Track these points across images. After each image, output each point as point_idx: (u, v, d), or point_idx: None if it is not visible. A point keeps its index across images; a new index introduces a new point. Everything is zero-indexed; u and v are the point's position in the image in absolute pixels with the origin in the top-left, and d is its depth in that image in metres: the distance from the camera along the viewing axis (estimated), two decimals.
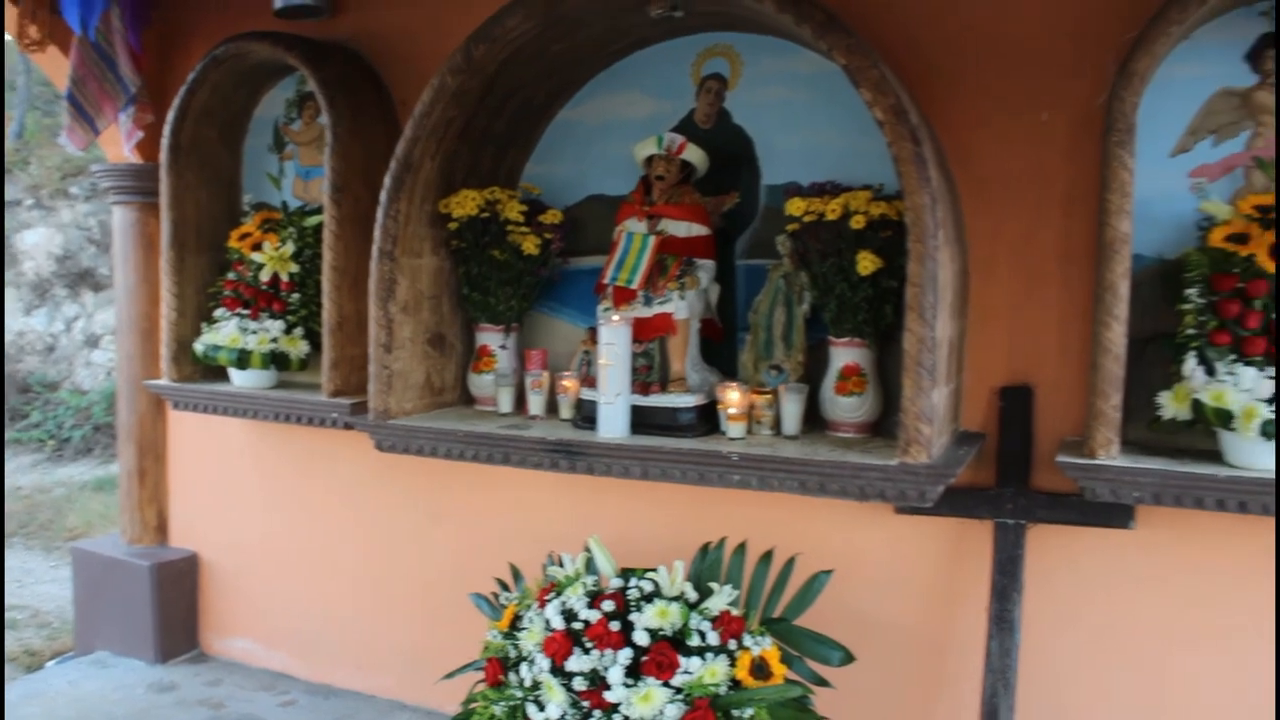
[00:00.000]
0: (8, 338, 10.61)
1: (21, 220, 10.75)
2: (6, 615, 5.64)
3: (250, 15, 4.02)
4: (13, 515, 7.71)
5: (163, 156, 4.02)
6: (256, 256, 3.91)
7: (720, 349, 3.29)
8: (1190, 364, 2.55)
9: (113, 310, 9.98)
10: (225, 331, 3.89)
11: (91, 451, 9.29)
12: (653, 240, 3.08)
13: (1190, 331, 2.58)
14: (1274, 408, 2.41)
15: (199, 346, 3.98)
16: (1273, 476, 2.45)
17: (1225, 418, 2.46)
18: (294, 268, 3.90)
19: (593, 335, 3.20)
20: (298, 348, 3.90)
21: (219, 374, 4.11)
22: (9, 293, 10.71)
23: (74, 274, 10.44)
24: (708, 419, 3.05)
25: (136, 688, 4.23)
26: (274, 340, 3.86)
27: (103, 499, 7.94)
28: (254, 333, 3.86)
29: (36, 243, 10.63)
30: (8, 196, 10.78)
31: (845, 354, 2.96)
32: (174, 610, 4.51)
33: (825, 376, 3.01)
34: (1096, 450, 2.58)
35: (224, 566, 4.56)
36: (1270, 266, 2.48)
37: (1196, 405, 2.52)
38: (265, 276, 3.90)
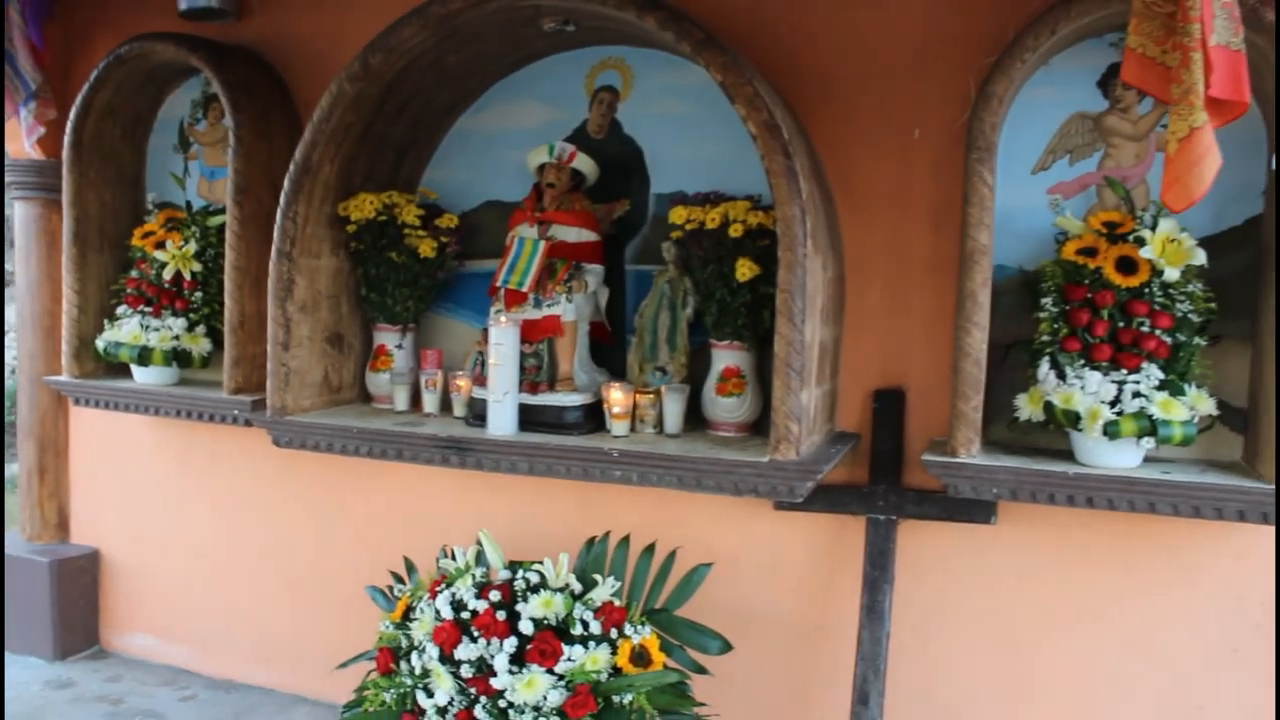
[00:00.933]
0: None
1: None
2: None
3: (156, 13, 4.06)
4: None
5: (65, 153, 4.03)
6: (159, 255, 3.94)
7: (610, 351, 3.40)
8: (1044, 368, 2.72)
9: (12, 307, 9.83)
10: (127, 328, 3.92)
11: None
12: (543, 245, 3.19)
13: (1045, 338, 2.74)
14: (1116, 410, 2.59)
15: (101, 343, 4.00)
16: (1117, 473, 2.63)
17: (1073, 419, 2.63)
18: (197, 266, 3.94)
19: (486, 336, 3.29)
20: (200, 345, 3.94)
21: (122, 371, 4.15)
22: None
23: None
24: (594, 418, 3.17)
25: (32, 685, 4.22)
26: (176, 338, 3.90)
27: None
28: (156, 330, 3.89)
29: None
30: None
31: (726, 356, 3.09)
32: (73, 607, 4.51)
33: (707, 378, 3.14)
34: (958, 449, 2.74)
35: (125, 563, 4.56)
36: (1117, 278, 2.65)
37: (1049, 407, 2.68)
38: (168, 275, 3.93)
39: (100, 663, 4.48)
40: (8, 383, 9.43)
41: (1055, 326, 2.73)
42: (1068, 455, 2.77)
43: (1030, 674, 3.08)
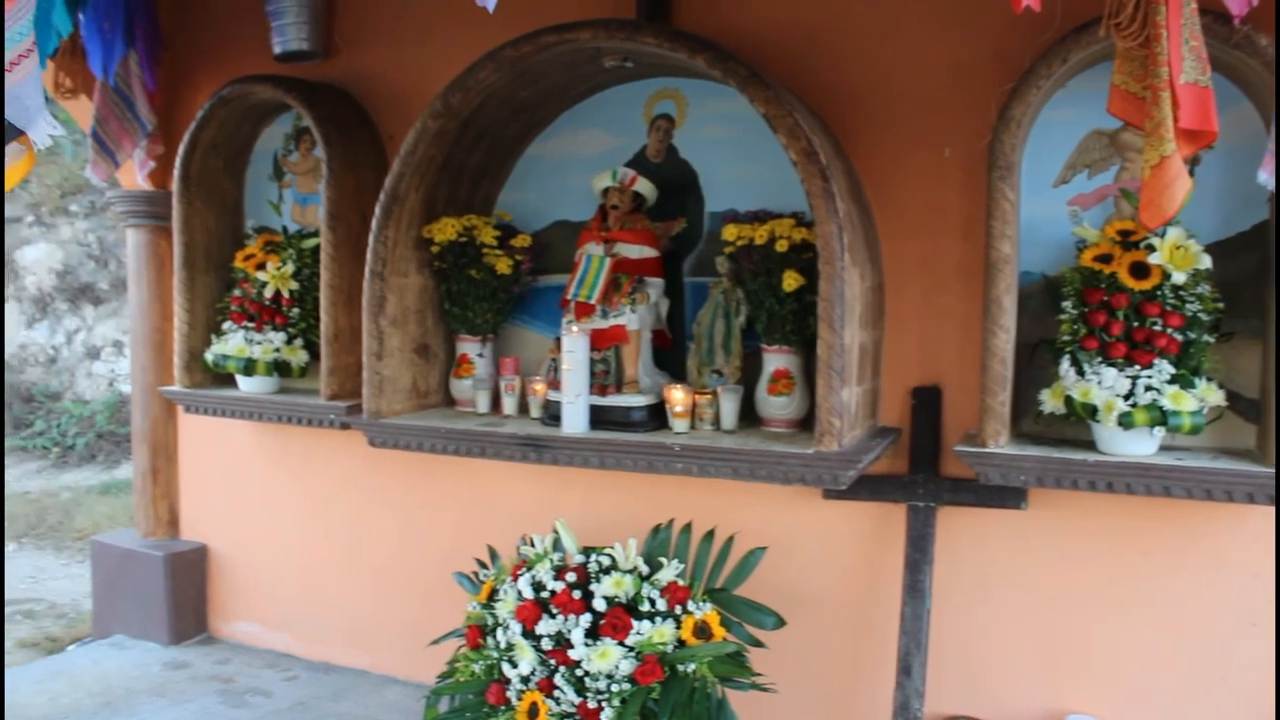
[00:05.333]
0: (11, 349, 10.97)
1: (23, 237, 11.11)
2: (24, 607, 6.04)
3: (252, 56, 4.43)
4: (23, 518, 8.10)
5: (174, 186, 4.39)
6: (260, 275, 4.31)
7: (670, 356, 3.67)
8: (1065, 365, 2.92)
9: (112, 323, 10.43)
10: (233, 342, 4.29)
11: (95, 458, 9.67)
12: (608, 262, 3.48)
13: (1066, 338, 2.94)
14: (1130, 402, 2.84)
15: (209, 356, 4.38)
16: (1133, 460, 2.83)
17: (1091, 411, 2.84)
18: (294, 285, 4.31)
19: (558, 344, 3.54)
20: (298, 356, 4.32)
21: (227, 381, 4.50)
22: (11, 307, 11.07)
23: (74, 288, 10.81)
24: (657, 416, 3.44)
25: (153, 665, 4.63)
26: (277, 350, 4.27)
27: (108, 502, 8.33)
28: (259, 343, 4.26)
29: (38, 258, 10.99)
30: (10, 214, 11.14)
31: (776, 359, 3.37)
32: (185, 596, 4.90)
33: (759, 379, 3.40)
34: (987, 440, 2.96)
35: (230, 556, 4.94)
36: (1130, 282, 2.86)
37: (1069, 401, 2.90)
38: (268, 293, 4.29)
39: (210, 647, 4.86)
40: (108, 394, 9.98)
41: (1075, 327, 2.93)
42: (1091, 445, 2.96)
43: (1061, 646, 3.29)
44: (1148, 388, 2.81)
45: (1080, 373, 2.91)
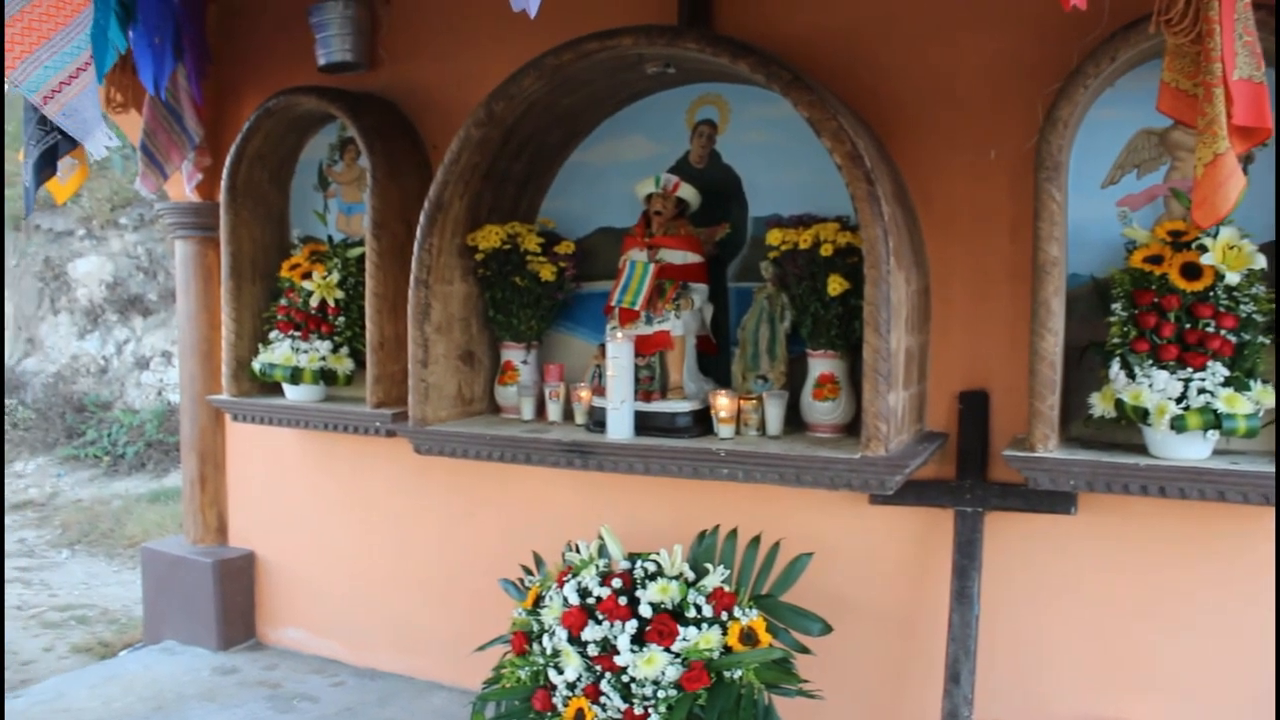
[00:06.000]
0: (63, 360, 11.16)
1: (74, 249, 11.30)
2: (78, 612, 6.15)
3: (296, 68, 4.48)
4: (76, 525, 8.25)
5: (221, 197, 4.44)
6: (306, 284, 4.35)
7: (714, 361, 3.66)
8: (1115, 368, 2.89)
9: (160, 334, 10.58)
10: (279, 351, 4.33)
11: (145, 466, 9.79)
12: (652, 268, 3.49)
13: (1115, 340, 2.91)
14: (1182, 405, 2.80)
15: (256, 365, 4.42)
16: (1186, 464, 2.79)
17: (1142, 414, 2.80)
18: (339, 294, 4.34)
19: (603, 351, 3.56)
20: (344, 365, 4.35)
21: (273, 389, 4.55)
22: (63, 318, 11.26)
23: (124, 300, 10.97)
24: (702, 422, 3.43)
25: (202, 671, 4.68)
26: (323, 358, 4.30)
27: (158, 510, 8.43)
28: (305, 352, 4.30)
29: (89, 271, 11.18)
30: (61, 228, 11.34)
31: (821, 364, 3.35)
32: (233, 603, 4.95)
33: (804, 384, 3.39)
34: (1036, 444, 2.92)
35: (278, 563, 4.99)
36: (1181, 283, 2.83)
37: (1119, 404, 2.86)
38: (314, 302, 4.33)
39: (258, 653, 4.91)
40: (157, 403, 10.13)
41: (1125, 329, 2.89)
42: (1142, 449, 2.93)
43: (1112, 654, 3.25)
44: (1201, 390, 2.77)
45: (1131, 376, 2.88)
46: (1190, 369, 2.81)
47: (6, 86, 2.66)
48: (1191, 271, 2.84)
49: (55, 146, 3.86)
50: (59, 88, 2.55)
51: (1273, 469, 2.73)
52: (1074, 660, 3.31)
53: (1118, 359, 2.92)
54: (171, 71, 4.05)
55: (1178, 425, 2.76)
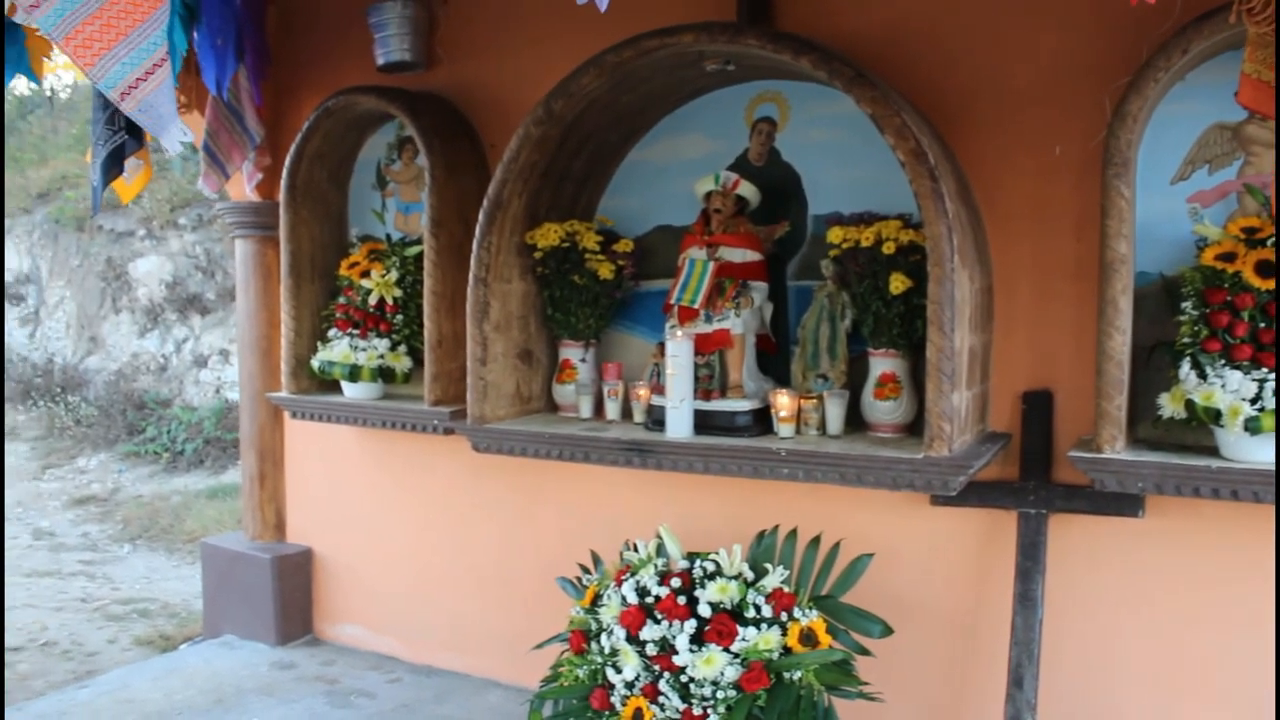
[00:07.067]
0: (124, 358, 11.36)
1: (135, 249, 11.51)
2: (139, 606, 6.25)
3: (353, 68, 4.52)
4: (137, 520, 8.41)
5: (281, 196, 4.49)
6: (365, 283, 4.38)
7: (774, 360, 3.63)
8: (1185, 368, 2.82)
9: (218, 332, 10.74)
10: (338, 349, 4.37)
11: (203, 463, 9.94)
12: (712, 266, 3.47)
13: (1186, 340, 2.85)
14: (1257, 406, 2.73)
15: (315, 362, 4.47)
16: (1260, 467, 2.72)
17: (1214, 415, 2.74)
18: (397, 292, 4.37)
19: (661, 349, 3.56)
20: (402, 363, 4.37)
21: (332, 387, 4.59)
22: (124, 317, 11.47)
23: (183, 299, 11.15)
24: (762, 421, 3.41)
25: (261, 665, 4.74)
26: (381, 356, 4.33)
27: (216, 506, 8.56)
28: (363, 350, 4.33)
29: (149, 270, 11.38)
30: (123, 228, 11.54)
31: (882, 363, 3.32)
32: (291, 599, 5.01)
33: (865, 384, 3.36)
34: (1103, 445, 2.87)
35: (335, 560, 5.04)
36: (1256, 281, 2.77)
37: (1190, 405, 2.80)
38: (373, 300, 4.36)
39: (315, 649, 4.96)
40: (215, 401, 10.28)
41: (1196, 328, 2.83)
42: (1213, 451, 2.86)
43: (1179, 661, 3.18)
44: (1276, 391, 2.70)
45: (1202, 376, 2.82)
46: (1265, 369, 2.74)
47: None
48: (1266, 269, 2.78)
49: (122, 146, 3.93)
50: (135, 84, 2.59)
51: None
52: (1140, 667, 3.25)
53: (1188, 359, 2.86)
54: (233, 72, 4.10)
55: (1252, 427, 2.70)
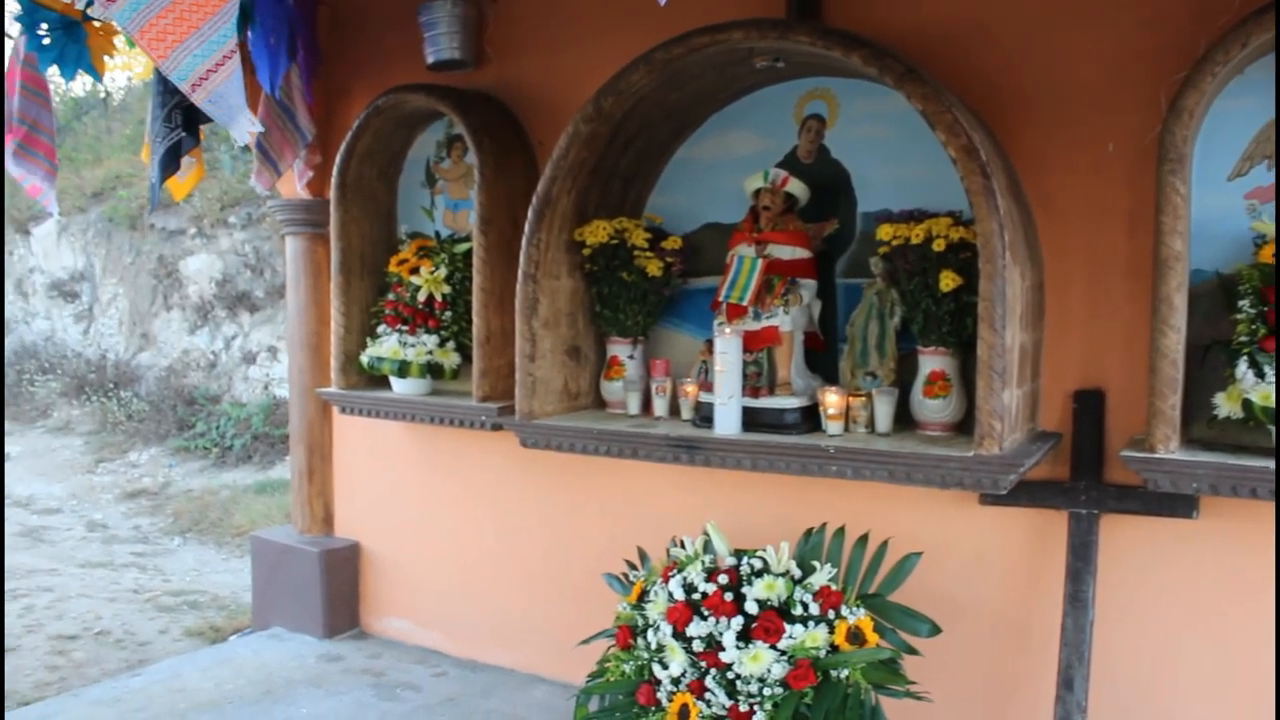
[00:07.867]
0: (175, 355, 11.53)
1: (185, 248, 11.68)
2: (190, 597, 6.35)
3: (402, 67, 4.56)
4: (187, 514, 8.54)
5: (331, 193, 4.54)
6: (414, 279, 4.42)
7: (822, 358, 3.63)
8: (1242, 367, 2.79)
9: (267, 329, 10.86)
10: (387, 345, 4.41)
11: (252, 458, 10.07)
12: (760, 263, 3.47)
13: (1243, 339, 2.81)
14: None
15: (364, 358, 4.51)
16: None
17: (1272, 415, 2.71)
18: (446, 289, 4.40)
19: (710, 346, 3.56)
20: (450, 359, 4.40)
21: (380, 383, 4.63)
22: (175, 314, 11.64)
23: (232, 296, 11.30)
24: (810, 419, 3.41)
25: (309, 658, 4.80)
26: (430, 352, 4.36)
27: (264, 500, 8.67)
28: (412, 346, 4.36)
29: (199, 268, 11.54)
30: (174, 227, 11.71)
31: (932, 361, 3.30)
32: (339, 592, 5.06)
33: (915, 381, 3.34)
34: (1156, 445, 2.83)
35: (382, 554, 5.08)
36: None
37: (1247, 404, 2.76)
38: (422, 297, 4.39)
39: (362, 642, 5.01)
40: (263, 397, 10.40)
41: (1253, 327, 2.79)
42: (1270, 452, 2.81)
43: (1234, 666, 3.13)
44: None
45: (1260, 375, 2.78)
46: None
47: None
48: None
49: (179, 143, 3.99)
50: (206, 75, 2.65)
51: None
52: (1193, 670, 3.21)
53: (1245, 357, 2.82)
54: (286, 71, 4.15)
55: None
